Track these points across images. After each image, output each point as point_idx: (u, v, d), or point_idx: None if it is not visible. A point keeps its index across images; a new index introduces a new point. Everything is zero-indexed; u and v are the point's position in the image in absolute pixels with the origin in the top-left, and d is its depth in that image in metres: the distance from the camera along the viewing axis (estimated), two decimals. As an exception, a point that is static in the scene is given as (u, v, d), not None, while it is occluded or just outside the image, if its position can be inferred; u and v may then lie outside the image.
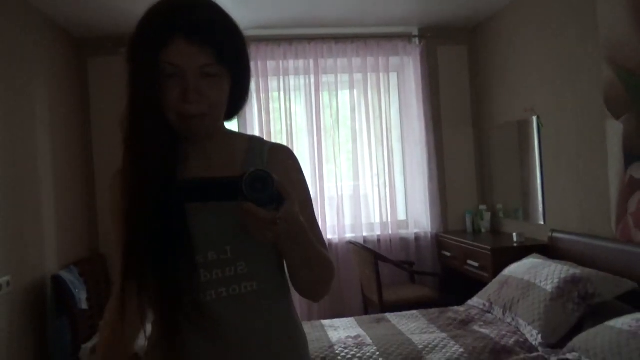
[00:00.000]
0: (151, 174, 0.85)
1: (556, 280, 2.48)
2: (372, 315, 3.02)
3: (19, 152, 2.88)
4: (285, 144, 3.93)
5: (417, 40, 4.13)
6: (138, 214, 0.85)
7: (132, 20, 3.17)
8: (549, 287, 2.47)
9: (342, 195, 4.00)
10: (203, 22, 0.85)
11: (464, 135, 4.22)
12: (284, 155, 1.03)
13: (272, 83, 4.01)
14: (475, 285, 3.21)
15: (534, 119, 3.38)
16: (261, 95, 3.94)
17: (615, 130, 2.65)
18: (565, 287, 2.41)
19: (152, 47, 0.83)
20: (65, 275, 3.02)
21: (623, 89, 2.58)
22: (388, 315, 2.97)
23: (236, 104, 0.97)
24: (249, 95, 1.00)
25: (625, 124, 2.58)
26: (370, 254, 3.33)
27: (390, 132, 4.09)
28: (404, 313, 2.98)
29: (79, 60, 3.83)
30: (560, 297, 2.39)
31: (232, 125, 1.07)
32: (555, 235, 3.11)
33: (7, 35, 2.82)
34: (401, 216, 4.17)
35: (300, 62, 4.02)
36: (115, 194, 0.91)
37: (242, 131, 3.89)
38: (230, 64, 0.88)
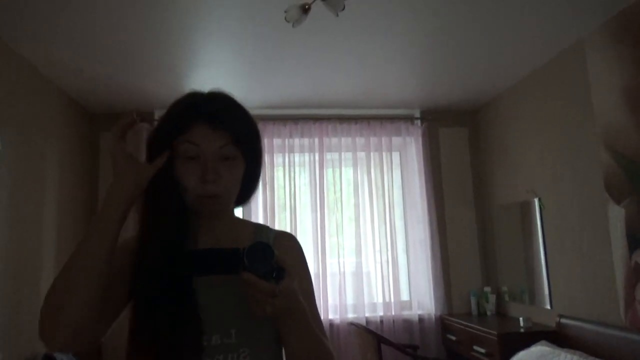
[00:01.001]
0: (162, 247, 0.88)
1: (566, 371, 2.38)
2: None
3: (24, 227, 2.89)
4: (288, 218, 3.97)
5: (419, 122, 4.26)
6: (147, 290, 0.87)
7: (145, 98, 3.33)
8: (559, 378, 2.36)
9: (344, 271, 3.95)
10: (222, 110, 0.95)
11: (467, 214, 4.23)
12: (289, 243, 1.06)
13: (277, 159, 4.10)
14: (481, 373, 3.08)
15: (536, 200, 3.40)
16: (266, 171, 4.00)
17: (617, 214, 2.66)
18: (576, 379, 2.31)
19: (175, 131, 0.92)
20: (59, 355, 2.92)
21: (622, 174, 2.62)
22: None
23: (247, 190, 1.02)
24: (259, 184, 1.05)
25: (627, 208, 2.59)
26: (373, 337, 3.22)
27: (393, 209, 4.11)
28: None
29: (92, 134, 3.95)
30: (571, 389, 2.28)
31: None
32: (563, 321, 3.02)
33: (24, 107, 2.93)
34: (404, 296, 4.08)
35: (306, 141, 4.13)
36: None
37: (247, 207, 3.93)
38: (244, 148, 0.96)
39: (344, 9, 2.22)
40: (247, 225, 1.07)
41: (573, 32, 2.87)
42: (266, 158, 4.02)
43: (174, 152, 0.92)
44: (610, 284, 2.70)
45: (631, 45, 2.55)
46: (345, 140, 4.18)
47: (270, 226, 1.09)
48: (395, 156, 4.34)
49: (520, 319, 3.24)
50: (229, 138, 0.92)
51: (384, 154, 4.20)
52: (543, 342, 2.89)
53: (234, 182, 0.95)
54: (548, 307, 3.27)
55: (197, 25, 2.66)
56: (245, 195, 1.03)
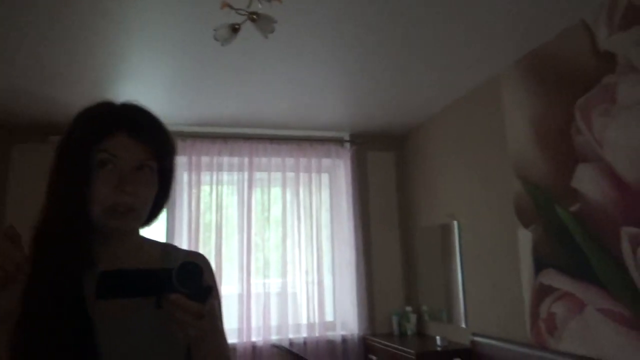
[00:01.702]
0: (61, 267, 0.80)
1: (477, 387, 2.49)
2: None
3: None
4: (214, 237, 3.89)
5: (348, 145, 4.36)
6: (37, 324, 0.77)
7: (65, 110, 3.17)
8: (470, 395, 2.47)
9: (269, 292, 3.92)
10: (143, 121, 0.91)
11: (391, 236, 4.35)
12: (199, 261, 1.02)
13: (205, 177, 4.02)
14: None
15: (455, 224, 3.57)
16: (192, 189, 3.92)
17: (525, 238, 2.85)
18: (486, 395, 2.42)
19: (92, 139, 0.85)
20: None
21: (530, 200, 2.82)
22: None
23: (155, 210, 0.97)
24: (167, 204, 1.01)
25: (534, 233, 2.78)
26: (295, 358, 3.20)
27: (320, 230, 4.15)
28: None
29: (3, 147, 3.69)
30: (481, 405, 2.38)
31: (159, 220, 1.05)
32: (476, 339, 3.17)
33: None
34: (329, 317, 4.10)
35: (235, 159, 4.09)
36: None
37: (171, 224, 3.81)
38: (162, 164, 0.92)
39: (273, 31, 2.26)
40: (153, 246, 1.01)
41: (490, 66, 3.08)
42: (193, 176, 3.94)
43: (87, 161, 0.85)
44: (519, 304, 2.88)
45: (539, 83, 2.78)
46: (275, 160, 4.19)
47: (192, 245, 1.06)
48: (325, 177, 4.40)
49: (437, 338, 3.36)
50: (150, 152, 0.88)
51: (313, 175, 4.24)
52: (457, 359, 3.01)
53: (149, 198, 0.90)
54: (464, 326, 3.41)
55: (123, 38, 2.59)
56: (152, 214, 0.97)
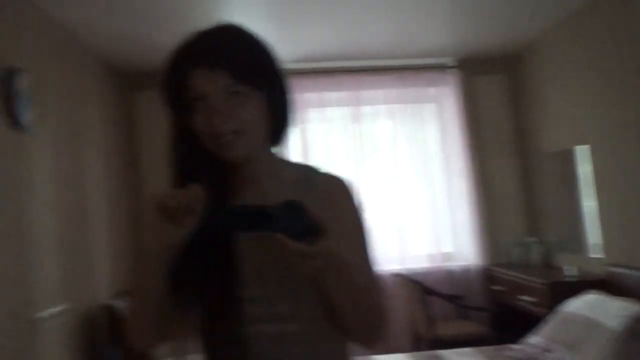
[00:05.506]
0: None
1: (624, 319, 2.36)
2: (426, 352, 2.93)
3: (71, 184, 2.89)
4: (324, 175, 3.92)
5: (454, 71, 4.12)
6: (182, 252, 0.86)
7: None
8: (617, 326, 2.35)
9: (385, 225, 3.94)
10: (222, 47, 0.88)
11: (508, 164, 4.14)
12: (338, 186, 0.97)
13: (311, 114, 4.02)
14: (527, 322, 3.09)
15: (586, 148, 3.30)
16: (299, 126, 3.94)
17: (677, 160, 2.56)
18: (637, 326, 2.30)
19: (177, 78, 0.87)
20: (118, 304, 2.99)
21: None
22: (441, 352, 2.87)
23: (277, 127, 0.94)
24: (291, 118, 0.96)
25: (690, 154, 2.49)
26: (419, 287, 3.25)
27: (432, 162, 4.05)
28: (458, 350, 2.88)
29: (127, 94, 3.89)
30: (632, 336, 2.27)
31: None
32: (615, 269, 2.98)
33: (56, 70, 2.84)
34: (447, 248, 4.07)
35: (339, 94, 4.04)
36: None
37: (284, 144, 3.89)
38: (256, 82, 0.88)
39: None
40: (291, 168, 1.00)
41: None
42: (298, 114, 3.94)
43: (179, 100, 0.88)
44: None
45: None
46: (379, 93, 4.09)
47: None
48: (431, 107, 4.24)
49: (565, 267, 3.21)
50: (236, 76, 0.85)
51: (419, 105, 4.10)
52: (593, 290, 2.85)
53: (251, 118, 0.87)
54: (596, 255, 3.22)
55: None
56: (277, 133, 0.95)
